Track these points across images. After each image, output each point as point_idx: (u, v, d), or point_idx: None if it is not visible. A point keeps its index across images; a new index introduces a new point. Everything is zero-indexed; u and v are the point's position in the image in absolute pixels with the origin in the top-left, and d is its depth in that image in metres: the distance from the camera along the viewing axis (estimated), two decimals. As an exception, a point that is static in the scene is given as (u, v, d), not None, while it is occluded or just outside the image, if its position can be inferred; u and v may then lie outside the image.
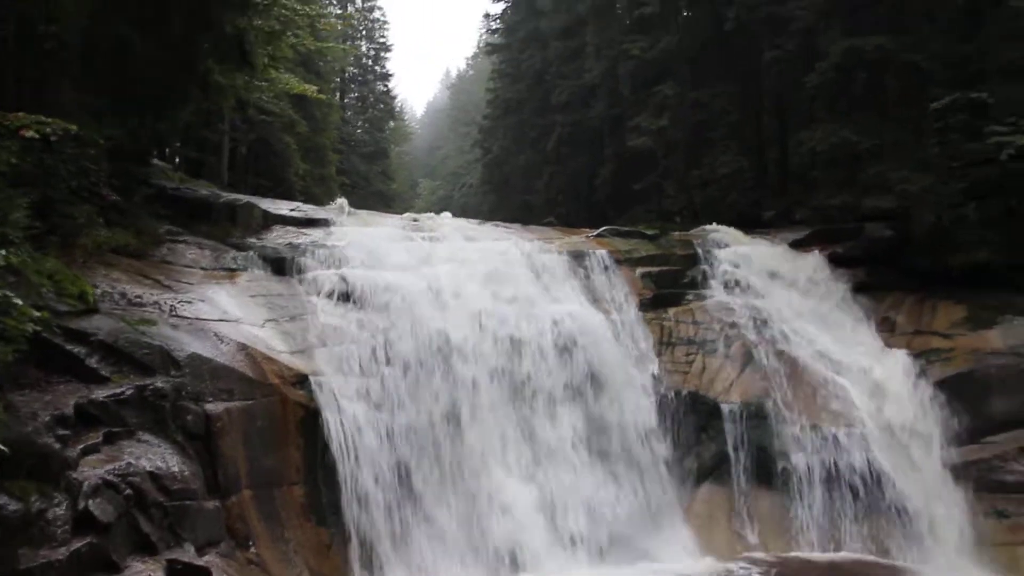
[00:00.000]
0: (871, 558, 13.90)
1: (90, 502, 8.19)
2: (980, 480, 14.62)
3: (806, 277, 19.41)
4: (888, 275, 19.24)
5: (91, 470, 8.77)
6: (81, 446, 9.11)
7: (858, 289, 19.18)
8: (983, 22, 19.97)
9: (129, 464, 9.32)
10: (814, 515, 14.60)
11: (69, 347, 10.58)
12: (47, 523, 7.59)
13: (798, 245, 20.68)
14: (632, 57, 31.02)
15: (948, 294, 17.83)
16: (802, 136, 23.37)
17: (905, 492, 14.48)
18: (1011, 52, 18.65)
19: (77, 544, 7.65)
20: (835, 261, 19.76)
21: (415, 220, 20.36)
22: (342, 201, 21.25)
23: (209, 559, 9.47)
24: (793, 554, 14.08)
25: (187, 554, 9.13)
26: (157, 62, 14.96)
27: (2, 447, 6.47)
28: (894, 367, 16.43)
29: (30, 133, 8.88)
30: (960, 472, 14.80)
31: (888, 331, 17.88)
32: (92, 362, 10.64)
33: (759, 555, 14.01)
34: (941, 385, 15.78)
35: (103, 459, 9.21)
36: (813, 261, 19.77)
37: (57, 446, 8.50)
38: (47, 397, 9.53)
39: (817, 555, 14.05)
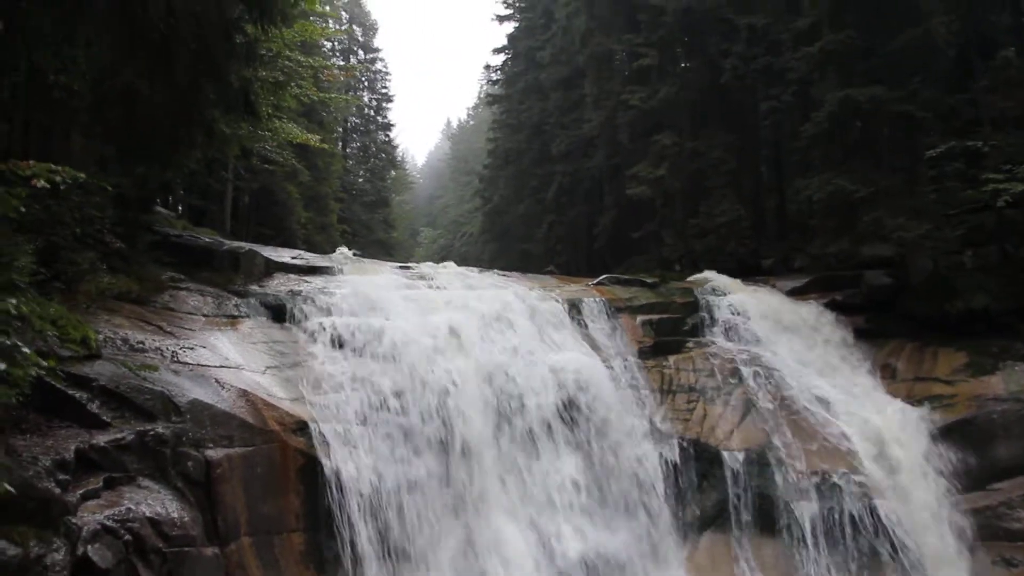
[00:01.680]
0: (876, 608, 13.75)
1: (89, 548, 8.15)
2: (986, 528, 14.52)
3: (806, 324, 19.46)
4: (888, 322, 19.30)
5: (91, 515, 8.73)
6: (81, 491, 9.07)
7: (858, 336, 19.23)
8: (974, 73, 20.32)
9: (129, 510, 9.27)
10: (819, 564, 14.45)
11: (71, 392, 10.58)
12: (45, 568, 7.54)
13: (797, 293, 20.78)
14: (631, 107, 31.43)
15: (948, 340, 17.86)
16: (799, 184, 23.63)
17: (910, 540, 14.36)
18: (1003, 102, 18.94)
19: (76, 590, 7.60)
20: (834, 308, 19.85)
21: (416, 268, 20.46)
22: (344, 249, 21.39)
23: (208, 607, 9.39)
24: (797, 603, 13.94)
25: (186, 601, 9.06)
26: (163, 111, 15.15)
27: (8, 487, 6.46)
28: (896, 414, 16.40)
29: (41, 183, 8.98)
30: (966, 520, 14.70)
31: (889, 378, 17.88)
32: (93, 407, 10.63)
33: (763, 605, 13.87)
34: (944, 432, 15.73)
35: (103, 504, 9.17)
36: (813, 309, 19.85)
37: (57, 491, 8.47)
38: (48, 442, 9.52)
39: (821, 604, 13.92)
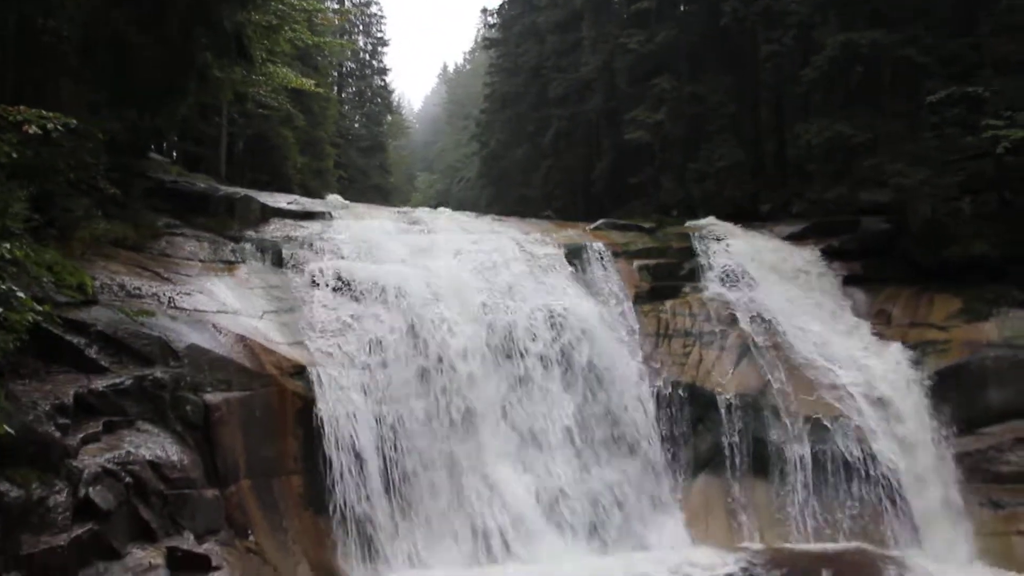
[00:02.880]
0: (866, 547, 13.96)
1: (90, 490, 8.28)
2: (975, 471, 14.73)
3: (803, 270, 19.48)
4: (884, 268, 19.33)
5: (91, 459, 8.85)
6: (81, 435, 9.19)
7: (854, 282, 19.28)
8: (977, 17, 20.04)
9: (129, 453, 9.41)
10: (809, 505, 14.67)
11: (69, 338, 10.65)
12: (48, 510, 7.67)
13: (795, 238, 20.76)
14: (629, 51, 31.01)
15: (944, 287, 17.90)
16: (799, 129, 23.43)
17: (900, 483, 14.56)
18: (1006, 46, 18.72)
19: (78, 531, 7.74)
20: (831, 254, 19.86)
21: (412, 213, 20.40)
22: (334, 196, 21.32)
23: (208, 547, 9.57)
24: (789, 545, 14.16)
25: (187, 542, 9.24)
26: (155, 56, 14.97)
27: (8, 429, 6.53)
28: (890, 359, 16.50)
29: (33, 129, 8.92)
30: (955, 463, 14.89)
31: (884, 323, 17.96)
32: (91, 352, 10.72)
33: (755, 545, 14.09)
34: (937, 377, 15.85)
35: (103, 448, 9.30)
36: (809, 254, 19.85)
37: (57, 435, 8.58)
38: (47, 387, 9.61)
39: (813, 545, 14.12)
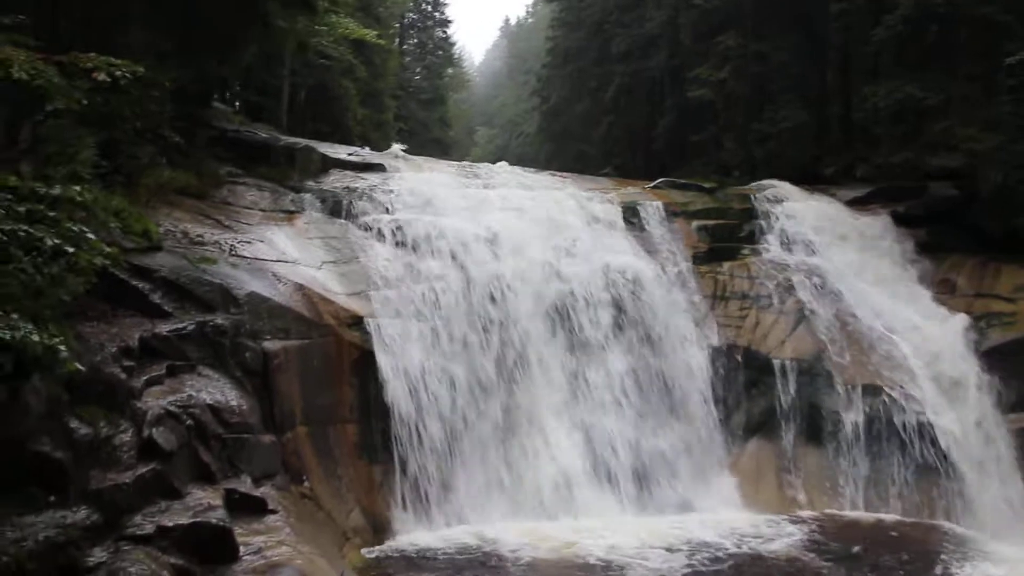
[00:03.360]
0: (919, 519, 13.85)
1: (154, 431, 8.50)
2: (1035, 446, 14.43)
3: (865, 235, 19.07)
4: (950, 236, 18.81)
5: (154, 401, 9.09)
6: (145, 377, 9.43)
7: (919, 249, 18.81)
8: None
9: (190, 396, 9.64)
10: (862, 474, 14.57)
11: (134, 282, 10.91)
12: (114, 448, 7.91)
13: (858, 203, 20.29)
14: (694, 6, 30.32)
15: (1012, 257, 17.37)
16: (866, 91, 22.76)
17: (956, 455, 14.35)
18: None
19: (142, 469, 7.96)
20: (896, 220, 19.38)
21: (471, 167, 20.36)
22: (397, 147, 21.35)
23: (265, 491, 9.79)
24: (839, 512, 14.09)
25: (244, 485, 9.45)
26: (221, 3, 15.08)
27: (79, 367, 6.74)
28: (951, 329, 16.17)
29: (102, 76, 9.06)
30: (1017, 438, 14.59)
31: (948, 293, 17.54)
32: (156, 298, 10.97)
33: (805, 512, 14.06)
34: (1000, 349, 15.50)
35: (166, 391, 9.53)
36: (873, 219, 19.40)
37: (123, 376, 8.82)
38: (113, 329, 9.87)
39: (863, 514, 14.07)
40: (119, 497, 7.54)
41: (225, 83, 26.00)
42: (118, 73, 9.20)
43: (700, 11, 30.05)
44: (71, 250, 7.28)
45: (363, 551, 11.33)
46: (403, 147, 22.38)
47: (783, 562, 11.69)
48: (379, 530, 12.02)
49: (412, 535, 12.09)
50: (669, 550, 11.86)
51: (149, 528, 7.51)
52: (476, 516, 12.84)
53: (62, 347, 6.58)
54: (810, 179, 22.61)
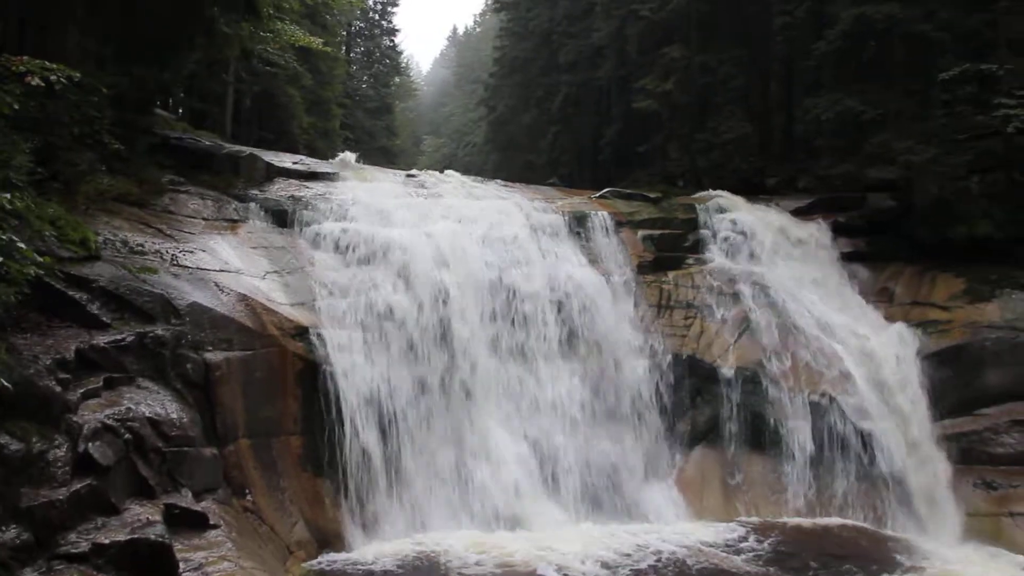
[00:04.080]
0: (860, 524, 14.12)
1: (90, 445, 8.30)
2: (970, 452, 14.78)
3: (807, 245, 19.40)
4: (889, 245, 19.24)
5: (91, 414, 8.88)
6: (82, 390, 9.22)
7: (858, 259, 19.22)
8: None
9: (129, 409, 9.44)
10: (806, 481, 14.79)
11: (71, 293, 10.65)
12: (48, 464, 7.70)
13: (800, 213, 20.64)
14: (641, 18, 30.63)
15: (948, 266, 17.82)
16: (808, 104, 23.21)
17: (895, 461, 14.66)
18: (1021, 24, 18.45)
19: (77, 485, 7.77)
20: (836, 230, 19.76)
21: (418, 177, 20.28)
22: (348, 155, 21.20)
23: (206, 505, 9.63)
24: (783, 519, 14.27)
25: (184, 499, 9.28)
26: (162, 9, 14.83)
27: (6, 384, 6.52)
28: (890, 337, 16.50)
29: (35, 81, 8.82)
30: (951, 443, 14.93)
31: (886, 301, 17.93)
32: (93, 308, 10.72)
33: (750, 519, 14.23)
34: (936, 356, 15.84)
35: (103, 403, 9.32)
36: (814, 229, 19.75)
37: (58, 389, 8.59)
38: (48, 341, 9.62)
39: (807, 520, 14.27)
40: (52, 514, 7.35)
41: (167, 89, 25.55)
42: (52, 78, 8.96)
43: (647, 22, 30.36)
44: (0, 259, 7.06)
45: (306, 564, 11.18)
46: (356, 155, 22.15)
47: (724, 568, 11.80)
48: (324, 543, 11.86)
49: (358, 548, 11.96)
50: (615, 559, 11.90)
51: (84, 546, 7.33)
52: (423, 527, 12.76)
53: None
54: (754, 189, 22.97)
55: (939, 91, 18.65)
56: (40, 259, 7.81)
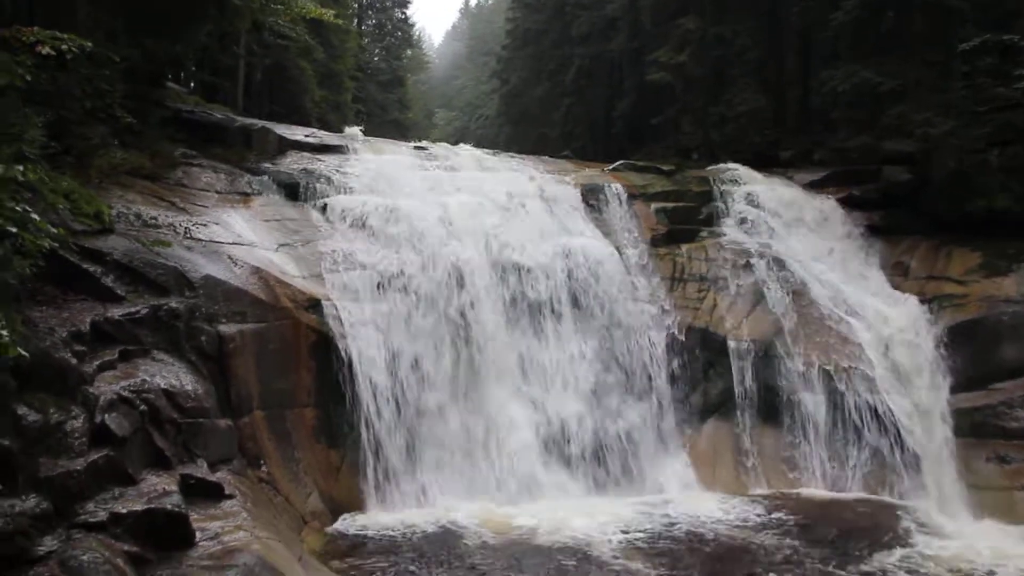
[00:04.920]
0: (874, 497, 14.08)
1: (106, 416, 8.35)
2: (984, 425, 14.65)
3: (822, 218, 19.28)
4: (904, 219, 19.06)
5: (107, 386, 8.92)
6: (97, 362, 9.27)
7: (873, 232, 19.06)
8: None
9: (144, 381, 9.49)
10: (818, 454, 14.77)
11: (85, 266, 10.70)
12: (65, 435, 7.75)
13: (815, 186, 20.49)
14: (655, -12, 30.42)
15: (964, 240, 17.64)
16: (824, 76, 22.97)
17: (909, 435, 14.59)
18: (1045, -8, 18.21)
19: (94, 456, 7.81)
20: (852, 203, 19.61)
21: (430, 149, 20.23)
22: (354, 129, 21.15)
23: (221, 476, 9.69)
24: (797, 491, 14.28)
25: (200, 470, 9.34)
26: (173, -20, 14.78)
27: (23, 352, 6.55)
28: (905, 311, 16.40)
29: (46, 49, 8.76)
30: (965, 417, 14.86)
31: (901, 275, 17.81)
32: (108, 281, 10.77)
33: (762, 491, 14.24)
34: (952, 330, 15.72)
35: (118, 376, 9.37)
36: (829, 202, 19.61)
37: (74, 361, 8.64)
38: (64, 314, 9.67)
39: (820, 492, 14.26)
40: (70, 484, 7.40)
41: (179, 62, 25.49)
42: (64, 47, 8.92)
43: (660, -7, 30.10)
44: (15, 231, 7.07)
45: (323, 533, 11.27)
46: (360, 128, 22.09)
47: (738, 541, 11.84)
48: (338, 513, 11.96)
49: (371, 518, 12.04)
50: (626, 531, 11.95)
51: (102, 515, 7.39)
52: (437, 499, 12.83)
53: (4, 331, 6.39)
54: (768, 162, 22.81)
55: (959, 62, 18.39)
56: (54, 231, 7.82)
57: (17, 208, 7.18)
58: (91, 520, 7.28)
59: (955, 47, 18.37)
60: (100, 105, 13.28)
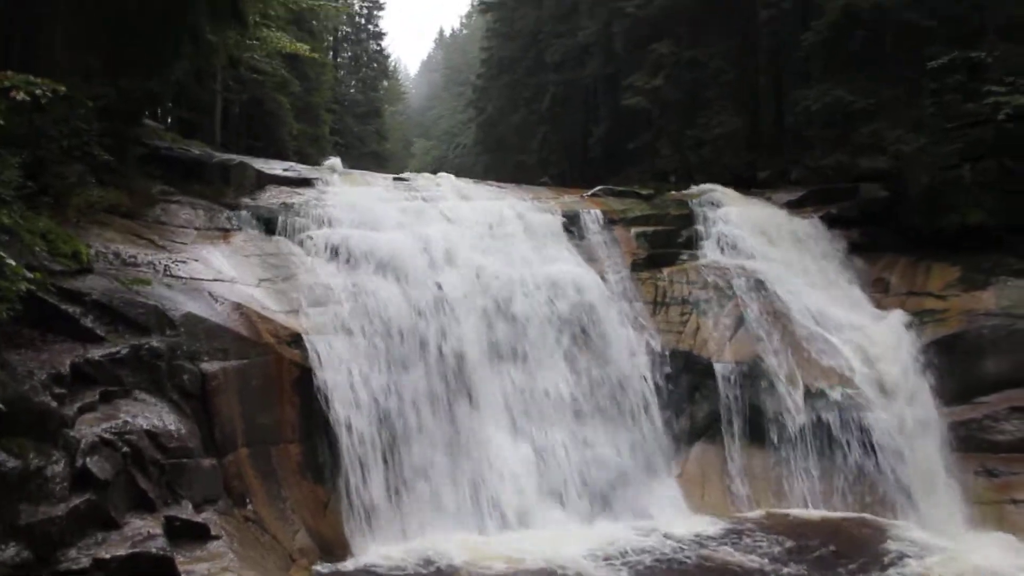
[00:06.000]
0: (863, 515, 14.08)
1: (88, 459, 8.23)
2: (971, 440, 14.76)
3: (801, 237, 19.39)
4: (883, 236, 19.23)
5: (88, 428, 8.81)
6: (78, 404, 9.14)
7: (852, 250, 19.18)
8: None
9: (126, 423, 9.37)
10: (806, 474, 14.78)
11: (64, 307, 10.57)
12: (46, 480, 7.62)
13: (793, 205, 20.65)
14: (627, 15, 30.70)
15: (942, 255, 17.82)
16: (797, 96, 23.26)
17: (896, 451, 14.64)
18: (1010, 9, 18.50)
19: (76, 501, 7.70)
20: (830, 222, 19.75)
21: (409, 180, 20.24)
22: (334, 160, 21.15)
23: (207, 516, 9.56)
24: (785, 511, 14.25)
25: (185, 511, 9.22)
26: (147, 16, 14.77)
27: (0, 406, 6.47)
28: (887, 327, 16.50)
29: (20, 96, 8.76)
30: (951, 432, 14.92)
31: (882, 292, 17.94)
32: (87, 322, 10.64)
33: (752, 513, 14.20)
34: (934, 345, 15.84)
35: (100, 417, 9.25)
36: (808, 221, 19.75)
37: (54, 404, 8.50)
38: (43, 356, 9.54)
39: (809, 513, 14.24)
40: (52, 531, 7.28)
41: (156, 99, 25.47)
42: (39, 92, 8.90)
43: (633, 19, 30.42)
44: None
45: (310, 571, 11.11)
46: (337, 159, 22.10)
47: (730, 564, 11.78)
48: (326, 550, 11.78)
49: (360, 554, 11.89)
50: (617, 559, 11.87)
51: (85, 562, 7.28)
52: (424, 532, 12.68)
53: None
54: (745, 183, 22.99)
55: (928, 80, 18.66)
56: (31, 275, 7.75)
57: (-9, 254, 7.12)
58: (74, 567, 7.17)
59: (924, 65, 18.65)
60: (77, 144, 13.23)
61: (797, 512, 14.24)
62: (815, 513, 14.21)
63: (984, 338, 15.58)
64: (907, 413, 15.07)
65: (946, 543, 12.80)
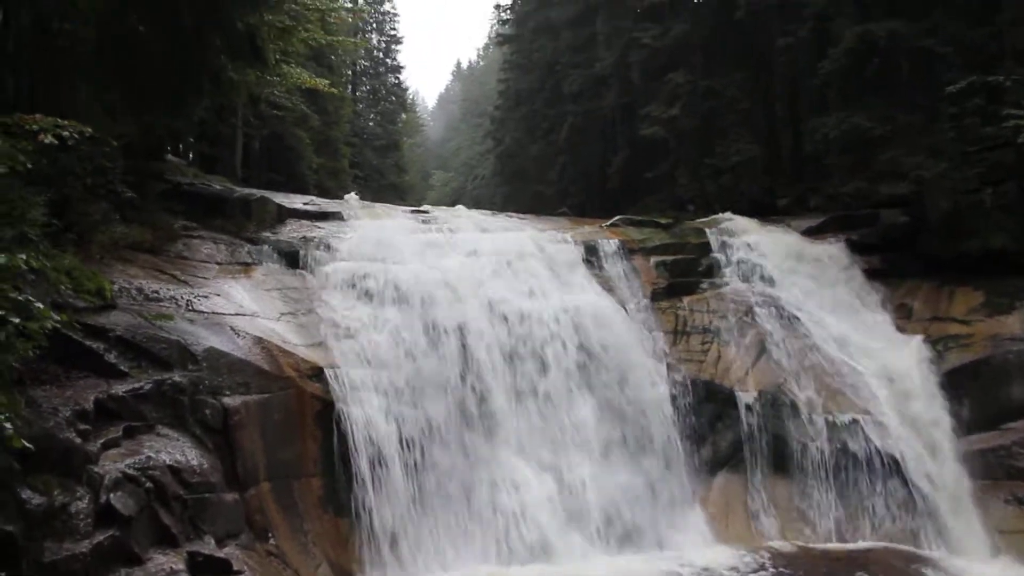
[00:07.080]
0: (889, 545, 13.85)
1: (111, 496, 8.28)
2: (998, 467, 14.51)
3: (822, 264, 19.29)
4: (904, 262, 19.09)
5: (112, 464, 8.86)
6: (101, 440, 9.21)
7: (874, 276, 19.05)
8: (998, 5, 19.78)
9: (149, 458, 9.41)
10: (832, 504, 14.57)
11: (88, 343, 10.68)
12: (70, 516, 7.68)
13: (813, 232, 20.57)
14: (643, 46, 30.94)
15: (965, 280, 17.66)
16: (815, 123, 23.26)
17: (923, 480, 14.42)
18: (1026, 34, 18.49)
19: (100, 537, 7.74)
20: (850, 248, 19.63)
21: (428, 212, 20.36)
22: (351, 196, 21.34)
23: (229, 551, 9.57)
24: (811, 544, 14.06)
25: (207, 546, 9.23)
26: (168, 58, 15.03)
27: (26, 444, 6.54)
28: (911, 354, 16.33)
29: (48, 138, 8.96)
30: (978, 459, 14.71)
31: (905, 318, 17.78)
32: (111, 357, 10.74)
33: (777, 544, 13.99)
34: (959, 371, 15.66)
35: (123, 453, 9.31)
36: (828, 248, 19.65)
37: (78, 441, 8.60)
38: (67, 392, 9.64)
39: (836, 545, 14.01)
40: (76, 568, 7.32)
41: (178, 136, 25.87)
42: (65, 134, 9.08)
43: (649, 50, 30.64)
44: (17, 320, 7.10)
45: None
46: (357, 193, 22.31)
47: (758, 597, 11.65)
48: (348, 585, 11.77)
49: (382, 589, 11.85)
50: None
51: (108, 598, 7.28)
52: (447, 564, 12.62)
53: (7, 424, 6.39)
54: (764, 211, 22.95)
55: (946, 105, 18.62)
56: (56, 317, 7.85)
57: (20, 297, 7.23)
58: (98, 604, 7.17)
59: (942, 90, 18.61)
60: (101, 182, 13.45)
61: (823, 544, 14.02)
62: (842, 545, 13.98)
63: (1010, 363, 15.39)
64: (933, 440, 14.88)
65: (976, 571, 12.63)
